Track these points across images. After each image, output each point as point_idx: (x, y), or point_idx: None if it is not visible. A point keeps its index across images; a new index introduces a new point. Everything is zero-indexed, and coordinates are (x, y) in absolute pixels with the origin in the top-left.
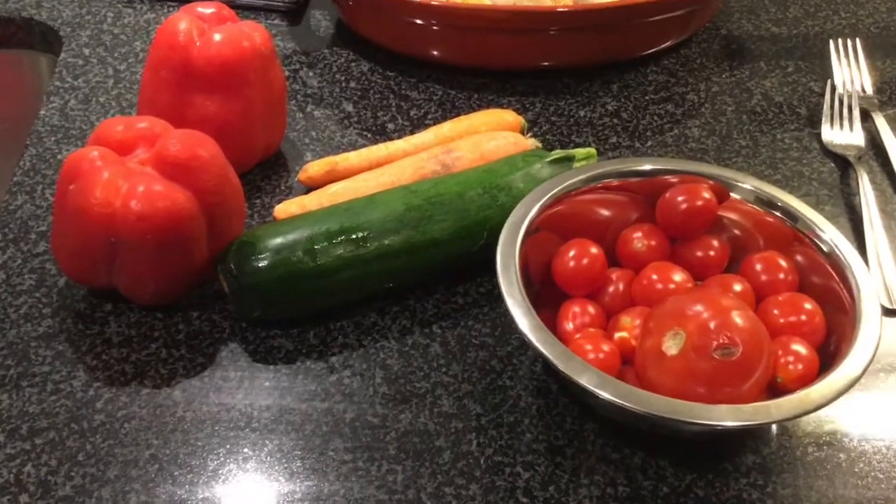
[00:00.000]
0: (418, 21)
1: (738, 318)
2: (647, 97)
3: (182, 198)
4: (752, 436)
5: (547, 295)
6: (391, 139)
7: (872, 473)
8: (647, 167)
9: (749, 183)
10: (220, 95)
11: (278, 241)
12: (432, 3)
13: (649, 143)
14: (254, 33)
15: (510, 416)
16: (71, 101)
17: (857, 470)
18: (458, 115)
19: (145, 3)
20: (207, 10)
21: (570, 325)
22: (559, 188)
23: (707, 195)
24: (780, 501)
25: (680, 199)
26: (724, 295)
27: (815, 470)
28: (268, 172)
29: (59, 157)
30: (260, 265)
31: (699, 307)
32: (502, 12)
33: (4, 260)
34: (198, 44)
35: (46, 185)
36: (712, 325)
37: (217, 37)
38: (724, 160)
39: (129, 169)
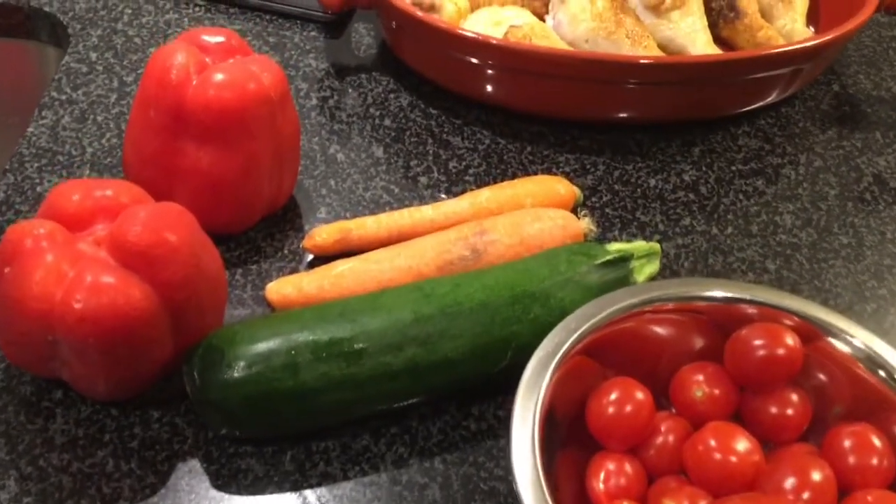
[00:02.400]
0: (474, 60)
1: None
2: (733, 167)
3: (137, 294)
4: None
5: (578, 436)
6: (421, 196)
7: None
8: (718, 293)
9: (853, 333)
10: (217, 146)
11: (253, 349)
12: (492, 41)
13: (729, 230)
14: (263, 73)
15: None
16: (65, 117)
17: None
18: (503, 172)
19: (169, 1)
20: (214, 38)
21: (601, 486)
22: (606, 313)
23: (791, 341)
24: None
25: (757, 342)
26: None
27: None
28: (272, 230)
29: (38, 189)
30: (228, 378)
31: None
32: (580, 60)
33: None
34: (194, 82)
35: None
36: None
37: (218, 77)
38: (819, 261)
39: (79, 252)
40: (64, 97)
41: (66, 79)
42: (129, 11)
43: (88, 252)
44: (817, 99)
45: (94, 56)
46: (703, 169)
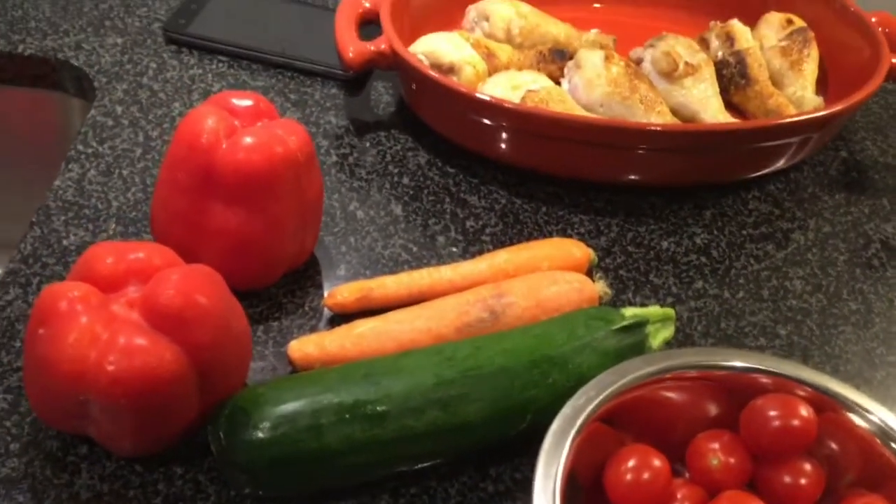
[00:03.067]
0: (491, 122)
1: None
2: (744, 231)
3: (168, 356)
4: None
5: (597, 502)
6: (439, 255)
7: None
8: (734, 363)
9: (866, 407)
10: (245, 207)
11: (279, 410)
12: (509, 105)
13: (740, 294)
14: (290, 136)
15: None
16: (91, 170)
17: None
18: (519, 232)
19: (193, 56)
20: (243, 102)
21: None
22: (624, 381)
23: (805, 413)
24: None
25: (772, 413)
26: None
27: None
28: (293, 287)
29: (64, 242)
30: (253, 440)
31: None
32: (594, 127)
33: None
34: (223, 146)
35: (45, 277)
36: None
37: (247, 140)
38: (829, 327)
39: (112, 314)
40: (90, 150)
41: (93, 132)
42: (154, 66)
43: (121, 314)
44: (826, 164)
45: (119, 110)
46: (715, 232)
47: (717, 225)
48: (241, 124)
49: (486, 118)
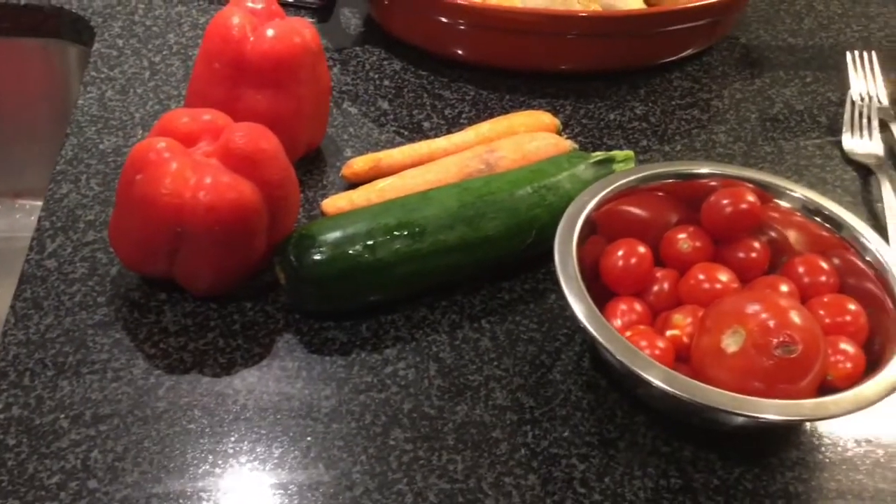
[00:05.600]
0: (446, 20)
1: (796, 318)
2: (673, 102)
3: (248, 190)
4: (793, 431)
5: (592, 293)
6: (427, 137)
7: None
8: (702, 171)
9: (799, 191)
10: (271, 91)
11: (337, 234)
12: (460, 2)
13: (678, 147)
14: (304, 30)
15: (562, 410)
16: (108, 91)
17: (894, 465)
18: (491, 115)
19: None
20: (257, 4)
21: (618, 322)
22: (613, 187)
23: (752, 199)
24: (823, 494)
25: (725, 202)
26: (780, 295)
27: (854, 464)
28: (310, 168)
29: (100, 146)
30: (319, 258)
31: (758, 306)
32: (527, 14)
33: (55, 248)
34: (251, 39)
35: (91, 174)
36: (772, 323)
37: (270, 32)
38: (752, 166)
39: (196, 161)
40: (103, 75)
41: (101, 61)
42: (143, 6)
43: (203, 161)
44: (730, 50)
45: (120, 42)
46: (650, 104)
47: (651, 99)
48: (260, 22)
49: (446, 17)
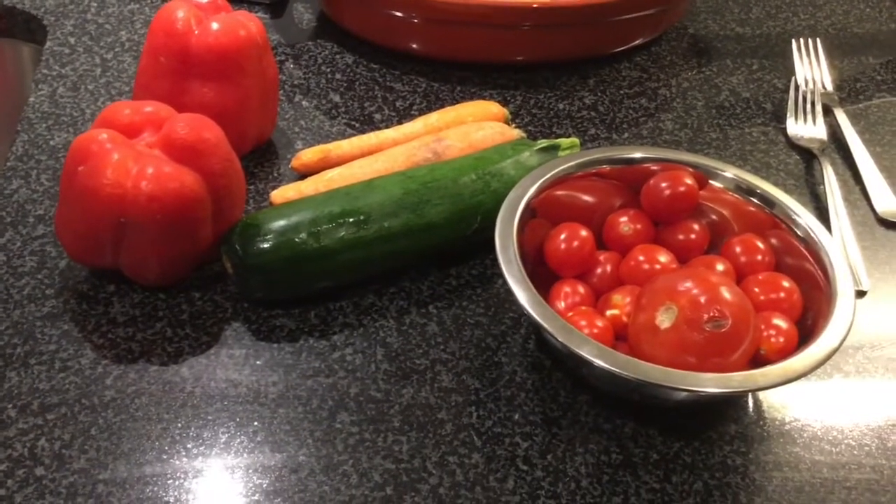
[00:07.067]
0: (398, 14)
1: (726, 293)
2: (621, 91)
3: (191, 180)
4: (733, 406)
5: (537, 277)
6: (379, 129)
7: (845, 441)
8: (637, 155)
9: (731, 172)
10: (217, 83)
11: (282, 222)
12: None
13: (626, 135)
14: (249, 23)
15: (507, 391)
16: (59, 88)
17: (830, 438)
18: (441, 106)
19: None
20: None
21: (562, 304)
22: (553, 173)
23: (689, 181)
24: (761, 466)
25: (664, 185)
26: (711, 272)
27: (792, 438)
28: (260, 160)
29: (51, 142)
30: (265, 246)
31: (689, 283)
32: (478, 6)
33: (4, 242)
34: (196, 32)
35: (41, 170)
36: (703, 299)
37: (215, 25)
38: (697, 152)
39: (138, 151)
40: (54, 73)
41: (53, 59)
42: (95, 4)
43: (145, 151)
44: (678, 39)
45: (72, 40)
46: (599, 94)
47: (599, 89)
48: (206, 16)
49: (398, 11)
